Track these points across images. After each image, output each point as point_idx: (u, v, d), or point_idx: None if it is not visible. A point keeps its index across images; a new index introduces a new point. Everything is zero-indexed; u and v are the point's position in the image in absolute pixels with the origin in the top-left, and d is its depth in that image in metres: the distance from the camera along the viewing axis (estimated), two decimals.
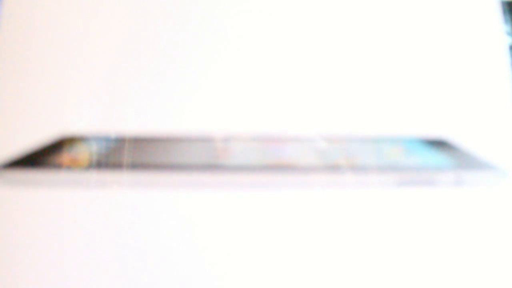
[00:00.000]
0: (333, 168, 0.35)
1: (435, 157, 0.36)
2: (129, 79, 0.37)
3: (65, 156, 0.36)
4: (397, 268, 0.33)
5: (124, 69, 0.37)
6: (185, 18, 0.38)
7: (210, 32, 0.38)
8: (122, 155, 0.35)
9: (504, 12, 0.41)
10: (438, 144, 0.36)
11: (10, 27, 0.38)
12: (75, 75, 0.37)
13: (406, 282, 0.33)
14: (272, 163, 0.35)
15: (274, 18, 0.38)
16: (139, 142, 0.36)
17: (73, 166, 0.35)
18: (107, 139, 0.36)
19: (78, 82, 0.37)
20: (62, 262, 0.33)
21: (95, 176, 0.35)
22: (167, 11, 0.38)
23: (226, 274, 0.33)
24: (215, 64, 0.37)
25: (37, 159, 0.35)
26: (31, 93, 0.37)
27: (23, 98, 0.37)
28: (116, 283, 0.33)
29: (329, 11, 0.39)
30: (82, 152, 0.36)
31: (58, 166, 0.35)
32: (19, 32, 0.38)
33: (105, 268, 0.33)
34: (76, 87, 0.37)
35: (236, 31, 0.38)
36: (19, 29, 0.38)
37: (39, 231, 0.34)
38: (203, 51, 0.38)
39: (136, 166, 0.35)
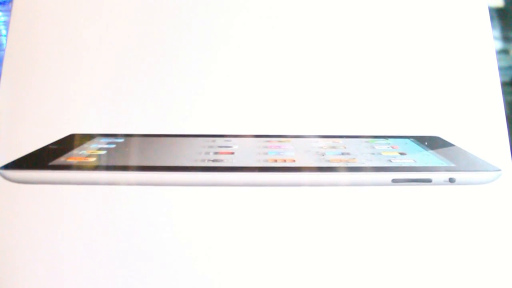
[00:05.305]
0: (329, 167, 0.35)
1: (430, 155, 0.37)
2: (136, 79, 0.37)
3: (73, 156, 0.36)
4: (394, 266, 0.34)
5: (130, 70, 0.38)
6: (190, 20, 0.39)
7: (212, 34, 0.39)
8: (128, 154, 0.36)
9: (492, 17, 0.41)
10: (433, 143, 0.37)
11: (19, 30, 0.38)
12: (83, 75, 0.38)
13: (402, 281, 0.33)
14: (271, 162, 0.35)
15: (273, 20, 0.39)
16: (145, 142, 0.37)
17: (80, 165, 0.35)
18: (113, 139, 0.37)
19: (86, 82, 0.37)
20: (70, 261, 0.33)
21: (103, 175, 0.35)
22: (172, 13, 0.39)
23: (228, 273, 0.33)
24: (217, 65, 0.38)
25: (45, 158, 0.35)
26: (39, 93, 0.37)
27: (31, 98, 0.37)
28: (121, 281, 0.33)
29: (323, 16, 0.39)
30: (90, 151, 0.36)
31: (66, 166, 0.35)
32: (27, 35, 0.38)
33: (112, 266, 0.33)
34: (83, 87, 0.37)
35: (236, 32, 0.39)
36: (27, 32, 0.38)
37: (47, 230, 0.34)
38: (205, 52, 0.38)
39: (141, 165, 0.35)
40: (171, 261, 0.33)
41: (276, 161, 0.36)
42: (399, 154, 0.37)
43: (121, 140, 0.37)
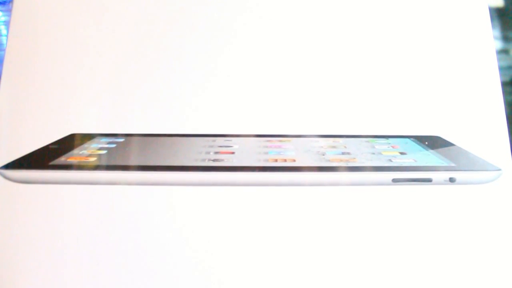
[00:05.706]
0: (330, 167, 0.35)
1: (430, 155, 0.37)
2: (136, 79, 0.38)
3: (73, 155, 0.36)
4: (394, 266, 0.34)
5: (130, 70, 0.38)
6: (191, 19, 0.39)
7: (212, 34, 0.39)
8: (129, 154, 0.36)
9: (492, 17, 0.42)
10: (433, 143, 0.37)
11: (19, 30, 0.38)
12: (83, 75, 0.38)
13: (402, 281, 0.33)
14: (272, 162, 0.36)
15: (274, 20, 0.39)
16: (146, 141, 0.37)
17: (81, 165, 0.35)
18: (113, 138, 0.37)
19: (86, 82, 0.37)
20: (70, 261, 0.33)
21: (103, 175, 0.35)
22: (172, 13, 0.39)
23: (229, 272, 0.33)
24: (217, 65, 0.38)
25: (45, 158, 0.35)
26: (40, 93, 0.37)
27: (31, 98, 0.37)
28: (121, 281, 0.33)
29: (324, 15, 0.39)
30: (90, 151, 0.36)
31: (66, 166, 0.35)
32: (27, 35, 0.38)
33: (112, 266, 0.33)
34: (83, 87, 0.37)
35: (236, 32, 0.39)
36: (27, 32, 0.39)
37: (47, 230, 0.34)
38: (205, 52, 0.38)
39: (142, 165, 0.35)
40: (171, 261, 0.33)
41: (276, 160, 0.36)
42: (399, 154, 0.37)
43: (121, 140, 0.37)
